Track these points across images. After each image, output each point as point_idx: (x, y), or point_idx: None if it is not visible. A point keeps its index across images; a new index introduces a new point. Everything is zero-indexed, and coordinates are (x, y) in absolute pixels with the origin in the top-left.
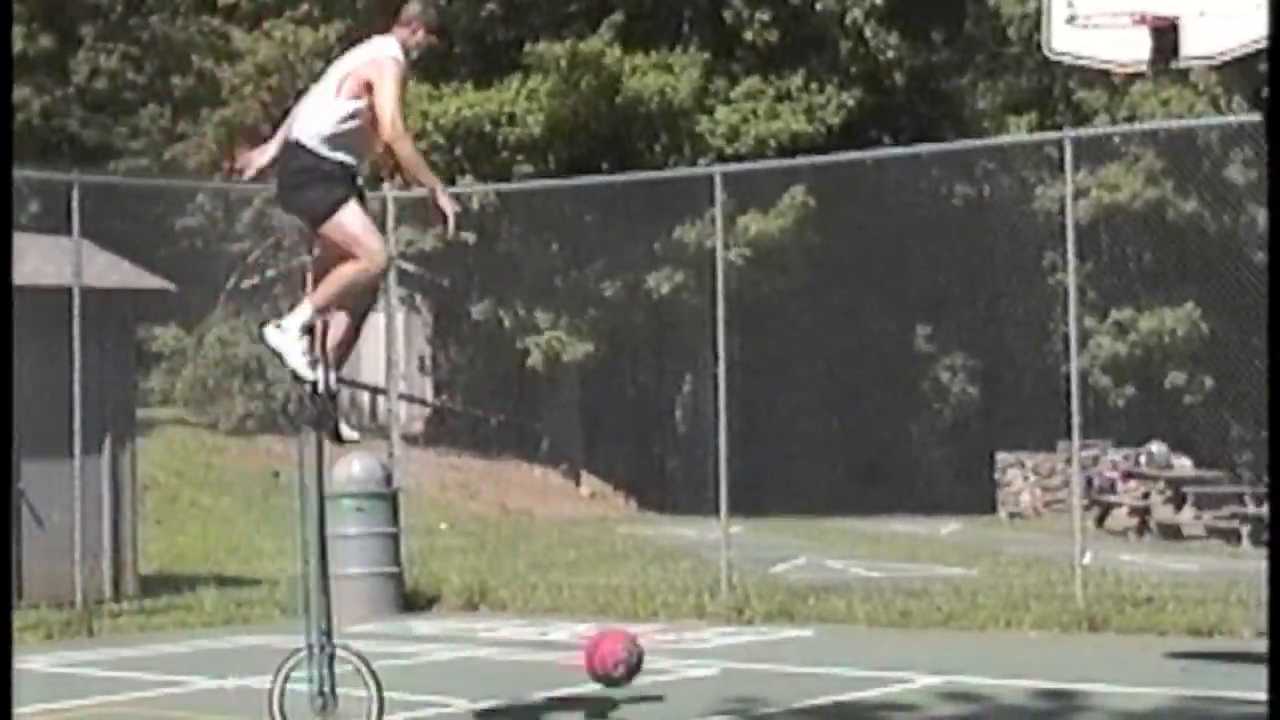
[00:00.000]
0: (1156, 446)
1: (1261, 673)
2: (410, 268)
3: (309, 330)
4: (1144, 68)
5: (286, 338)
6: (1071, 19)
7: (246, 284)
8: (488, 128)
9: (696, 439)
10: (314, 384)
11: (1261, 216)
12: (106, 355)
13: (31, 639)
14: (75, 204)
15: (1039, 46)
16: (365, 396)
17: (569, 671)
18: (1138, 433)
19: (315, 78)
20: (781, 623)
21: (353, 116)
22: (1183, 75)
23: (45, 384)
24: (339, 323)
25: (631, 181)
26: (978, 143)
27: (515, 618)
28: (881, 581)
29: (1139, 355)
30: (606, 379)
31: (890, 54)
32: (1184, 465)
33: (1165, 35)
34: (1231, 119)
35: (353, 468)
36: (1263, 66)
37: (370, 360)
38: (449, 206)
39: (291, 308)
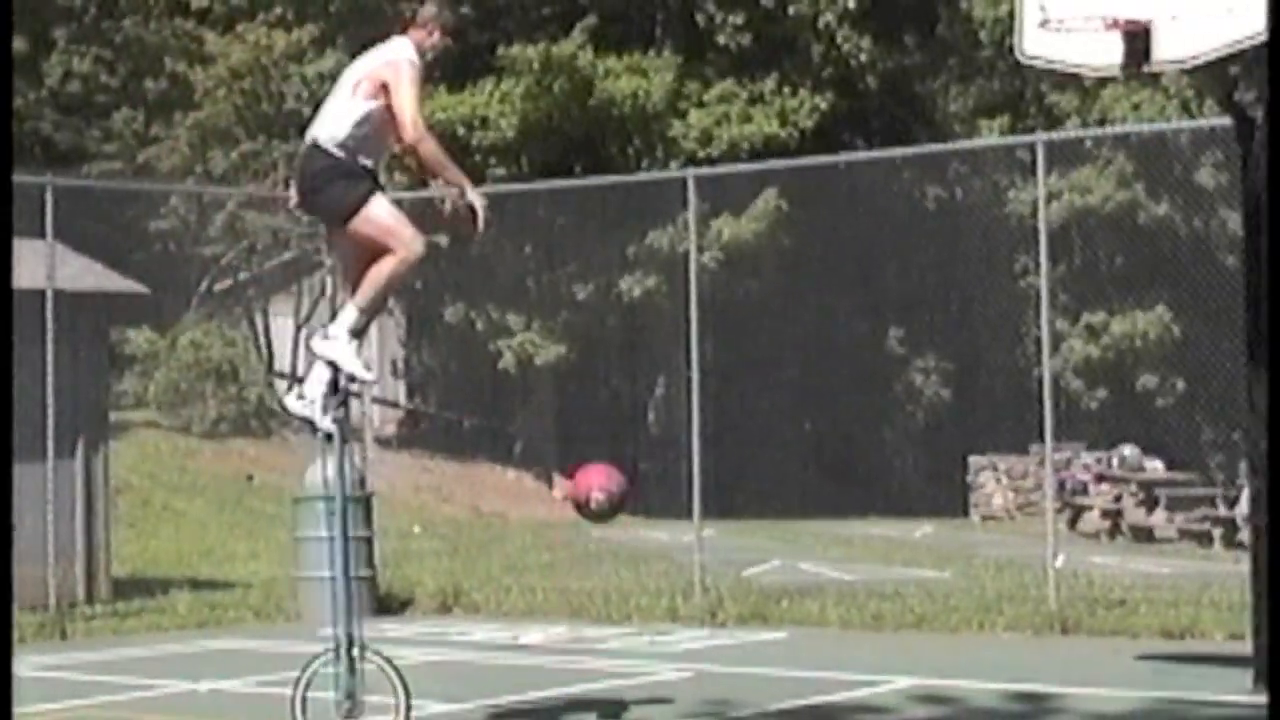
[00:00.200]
0: (1128, 449)
1: (1233, 674)
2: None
3: (358, 334)
4: (1116, 72)
5: (337, 345)
6: (1044, 23)
7: (219, 287)
8: (461, 131)
9: (669, 442)
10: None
11: (1233, 219)
12: (79, 358)
13: None
14: (48, 207)
15: (1011, 50)
16: None
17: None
18: (1110, 435)
19: (286, 79)
20: (755, 625)
21: (369, 118)
22: (1154, 79)
23: (18, 387)
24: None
25: (605, 185)
26: (950, 146)
27: (489, 620)
28: (854, 584)
29: (1111, 358)
30: (580, 382)
31: (863, 57)
32: (1156, 468)
33: (1137, 39)
34: (1203, 122)
35: (326, 470)
36: (1234, 70)
37: None
38: (478, 202)
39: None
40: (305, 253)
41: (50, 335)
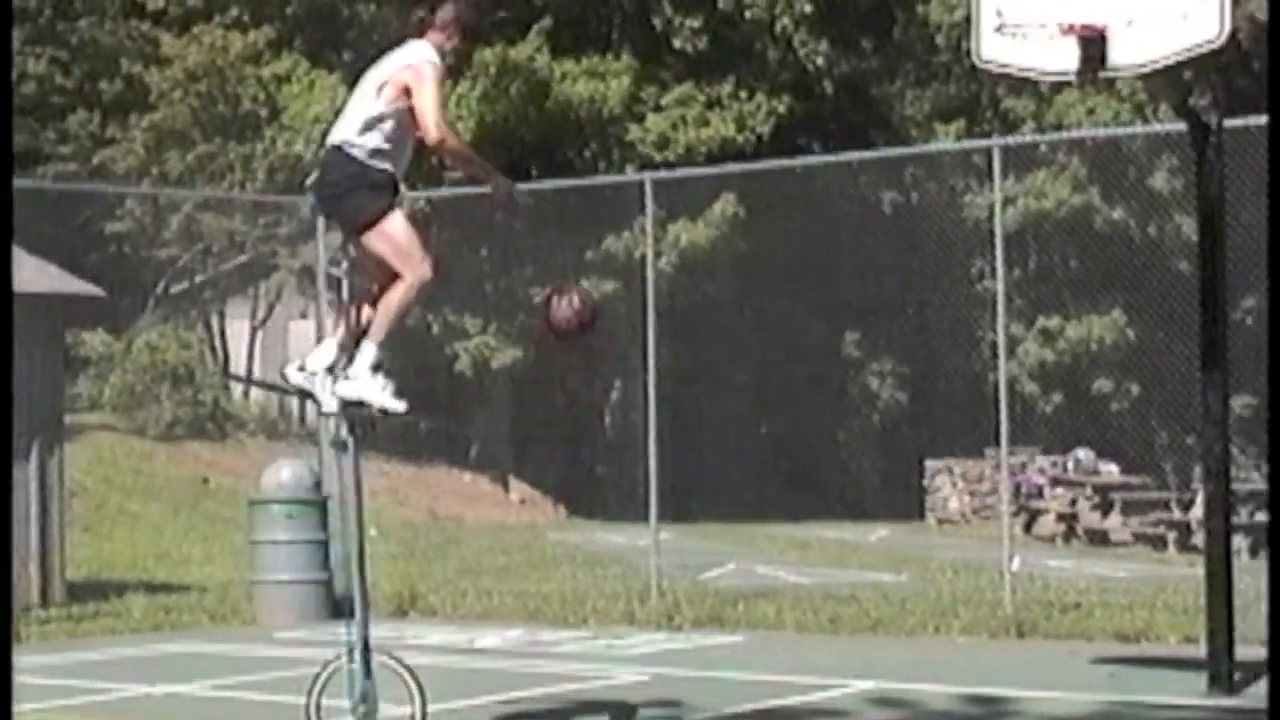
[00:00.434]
0: (1084, 453)
1: (1187, 678)
2: (339, 272)
3: (379, 367)
4: (1072, 77)
5: (361, 384)
6: (1000, 27)
7: (175, 289)
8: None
9: (626, 445)
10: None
11: (1187, 224)
12: (34, 361)
13: None
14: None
15: (968, 54)
16: (294, 402)
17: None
18: (1065, 439)
19: (242, 81)
20: (711, 629)
21: (393, 121)
22: (1109, 84)
23: None
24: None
25: (562, 188)
26: (907, 150)
27: (445, 624)
28: (811, 587)
29: (1066, 362)
30: (536, 385)
31: (819, 61)
32: (1111, 472)
33: (1093, 44)
34: (1157, 128)
35: (282, 474)
36: (1188, 75)
37: None
38: (511, 187)
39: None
40: (261, 255)
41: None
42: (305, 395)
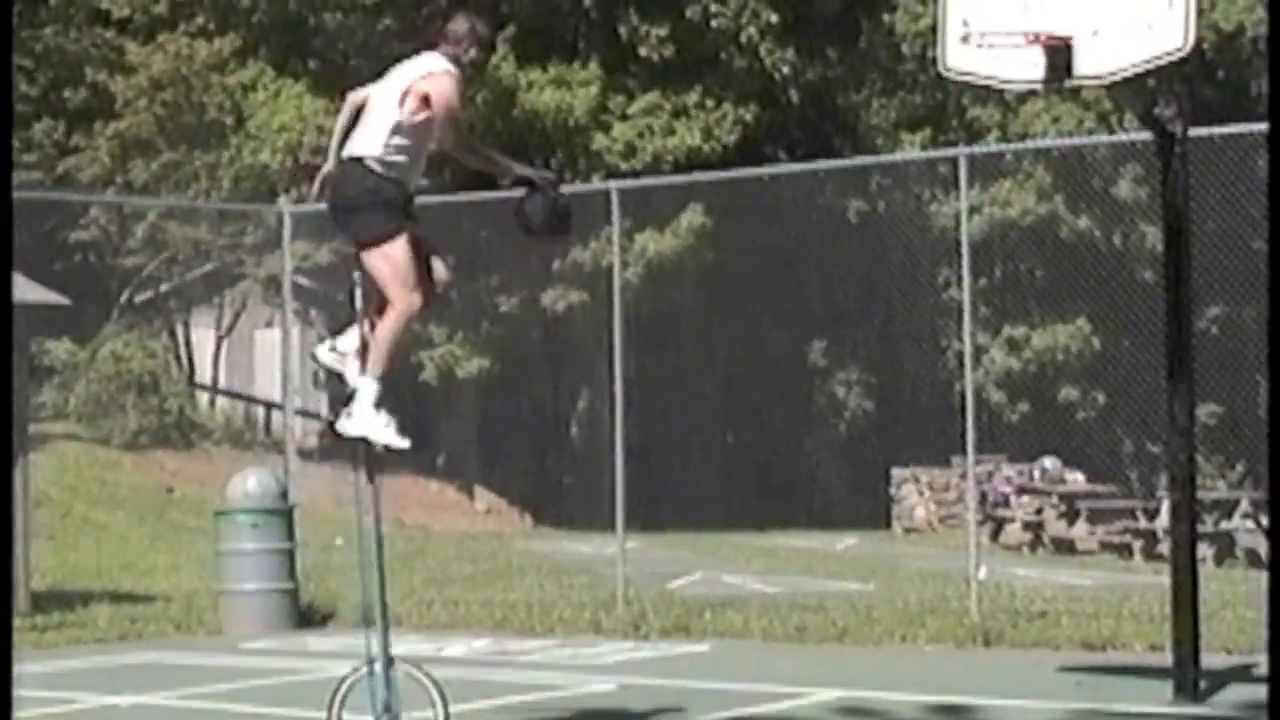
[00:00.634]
0: (1050, 462)
1: (1153, 685)
2: (305, 281)
3: (380, 404)
4: (1037, 86)
5: (364, 421)
6: (966, 37)
7: (140, 298)
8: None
9: (592, 454)
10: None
11: (1152, 233)
12: None
13: None
14: None
15: (933, 64)
16: (260, 411)
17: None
18: (1031, 448)
19: (208, 89)
20: (678, 638)
21: (411, 132)
22: (1075, 93)
23: None
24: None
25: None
26: (873, 159)
27: (411, 633)
28: (778, 596)
29: (1032, 371)
30: (502, 394)
31: (785, 70)
32: (1077, 480)
33: (1058, 54)
34: (1122, 137)
35: (248, 483)
36: (1153, 84)
37: (265, 375)
38: (548, 176)
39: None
40: (226, 264)
41: None
42: (338, 377)
